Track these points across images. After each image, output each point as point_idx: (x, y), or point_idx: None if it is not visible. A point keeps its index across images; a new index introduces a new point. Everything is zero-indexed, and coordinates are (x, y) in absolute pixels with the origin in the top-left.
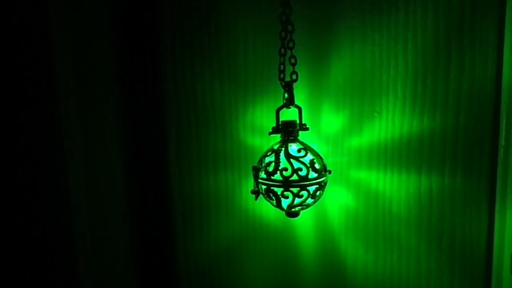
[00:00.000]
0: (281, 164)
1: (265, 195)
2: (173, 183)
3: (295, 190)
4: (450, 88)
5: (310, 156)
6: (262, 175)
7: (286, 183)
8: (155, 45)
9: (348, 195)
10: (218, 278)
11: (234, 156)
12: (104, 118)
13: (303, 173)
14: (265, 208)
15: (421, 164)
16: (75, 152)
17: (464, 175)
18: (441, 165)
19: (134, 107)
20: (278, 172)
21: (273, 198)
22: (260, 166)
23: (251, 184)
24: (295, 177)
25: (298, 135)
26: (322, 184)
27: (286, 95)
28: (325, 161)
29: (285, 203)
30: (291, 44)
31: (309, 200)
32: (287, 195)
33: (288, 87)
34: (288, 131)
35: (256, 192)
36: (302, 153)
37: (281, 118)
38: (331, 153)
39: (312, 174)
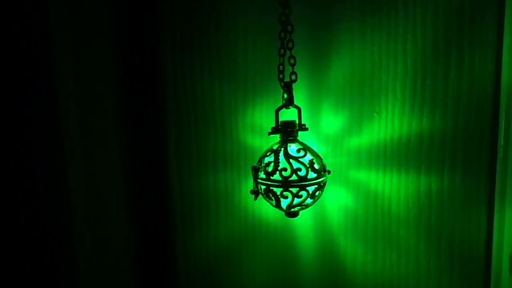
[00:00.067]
0: (280, 164)
1: (265, 195)
2: (172, 183)
3: (294, 190)
4: (449, 88)
5: (309, 156)
6: (262, 175)
7: (286, 183)
8: (155, 45)
9: (348, 195)
10: (217, 278)
11: (234, 156)
12: (104, 118)
13: (302, 173)
14: (264, 208)
15: (420, 164)
16: (75, 152)
17: (463, 175)
18: (440, 165)
19: (134, 107)
20: (278, 172)
21: (273, 198)
22: (260, 166)
23: (250, 184)
24: (294, 177)
25: (297, 135)
26: (322, 184)
27: (285, 96)
28: (324, 161)
29: (284, 203)
30: (290, 45)
31: (308, 200)
32: (286, 195)
33: (288, 88)
34: (288, 132)
35: (255, 192)
36: (302, 153)
37: (281, 119)
38: (330, 153)
39: (311, 174)
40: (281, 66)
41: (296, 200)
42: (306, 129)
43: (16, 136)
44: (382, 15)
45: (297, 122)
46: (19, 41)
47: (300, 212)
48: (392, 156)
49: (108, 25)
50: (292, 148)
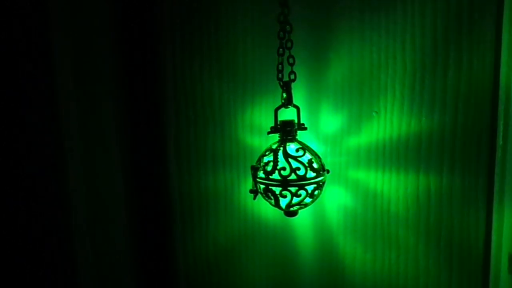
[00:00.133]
0: (279, 163)
1: (264, 195)
2: (172, 183)
3: (293, 189)
4: (448, 87)
5: (308, 156)
6: (261, 174)
7: (285, 183)
8: (155, 45)
9: (347, 194)
10: (217, 277)
11: (233, 156)
12: (104, 118)
13: (301, 172)
14: (263, 207)
15: (419, 164)
16: (75, 152)
17: (462, 175)
18: (439, 165)
19: (134, 107)
20: (277, 171)
21: (272, 197)
22: (259, 166)
23: (249, 184)
24: (293, 176)
25: (296, 134)
26: (320, 183)
27: (284, 95)
28: (323, 160)
29: (283, 202)
30: (289, 44)
31: (307, 200)
32: (285, 194)
33: (287, 87)
34: (287, 131)
35: (254, 192)
36: (300, 152)
37: (280, 118)
38: (329, 152)
39: (310, 174)
40: (280, 66)
41: (295, 199)
42: (305, 129)
43: (16, 136)
44: (381, 14)
45: (296, 121)
46: (19, 41)
47: (299, 211)
48: (391, 155)
49: (108, 25)
50: (291, 147)
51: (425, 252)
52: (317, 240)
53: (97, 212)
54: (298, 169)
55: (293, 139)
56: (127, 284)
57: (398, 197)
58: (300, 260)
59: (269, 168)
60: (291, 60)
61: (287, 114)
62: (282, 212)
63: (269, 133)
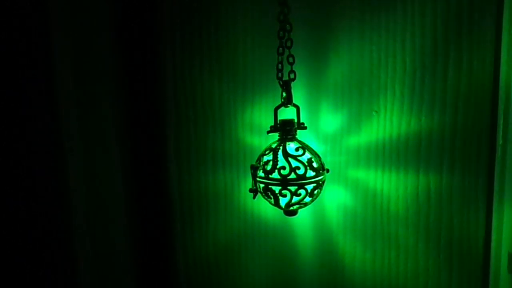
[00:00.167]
0: (279, 162)
1: (263, 194)
2: (172, 183)
3: (293, 188)
4: (448, 87)
5: (308, 155)
6: (260, 173)
7: (284, 182)
8: (155, 45)
9: (346, 194)
10: (217, 277)
11: (233, 155)
12: (104, 118)
13: (301, 171)
14: (263, 206)
15: (419, 163)
16: (75, 152)
17: (462, 174)
18: (439, 164)
19: (134, 107)
20: (276, 170)
21: (271, 196)
22: (258, 165)
23: (249, 183)
24: (293, 175)
25: (296, 134)
26: (320, 182)
27: (284, 94)
28: (323, 160)
29: (283, 201)
30: (289, 43)
31: (307, 199)
32: (285, 193)
33: (286, 86)
34: (286, 130)
35: (254, 191)
36: (300, 151)
37: (279, 117)
38: (329, 152)
39: (310, 173)
40: (280, 65)
41: (295, 199)
42: (305, 128)
43: (16, 136)
44: (381, 14)
45: (295, 120)
46: (19, 41)
47: (299, 210)
48: (391, 154)
49: (108, 25)
50: (291, 146)
51: (424, 251)
52: (316, 240)
53: (97, 212)
54: (298, 168)
55: (293, 138)
56: (127, 284)
57: (398, 197)
58: (299, 259)
59: (268, 167)
60: (291, 59)
61: (287, 113)
62: (281, 211)
63: (268, 132)
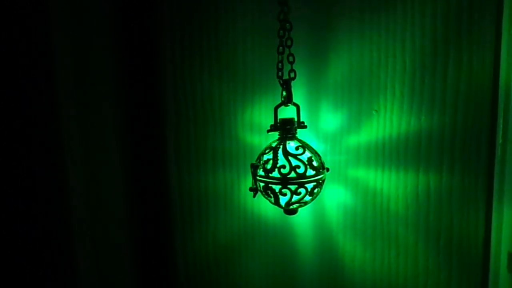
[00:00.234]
0: (279, 161)
1: (263, 193)
2: (172, 183)
3: (293, 187)
4: (447, 86)
5: (308, 154)
6: (260, 172)
7: (284, 181)
8: (155, 45)
9: (346, 193)
10: (217, 276)
11: (233, 154)
12: (104, 118)
13: (301, 170)
14: (263, 205)
15: (419, 162)
16: (75, 152)
17: (461, 173)
18: (438, 163)
19: (134, 107)
20: (276, 169)
21: (271, 195)
22: (258, 164)
23: (249, 182)
24: (293, 174)
25: (296, 133)
26: (320, 181)
27: (284, 93)
28: (323, 159)
29: (283, 200)
30: (289, 43)
31: (307, 198)
32: (285, 192)
33: (286, 85)
34: (286, 129)
35: (254, 190)
36: (300, 150)
37: (280, 116)
38: (329, 151)
39: (310, 172)
40: (280, 64)
41: (295, 198)
42: (305, 127)
43: (16, 136)
44: (381, 14)
45: (296, 119)
46: (19, 41)
47: (299, 209)
48: (391, 154)
49: (108, 25)
50: (291, 145)
51: (424, 250)
52: (316, 239)
53: (97, 212)
54: (298, 167)
55: (293, 137)
56: (127, 284)
57: (398, 196)
58: (299, 258)
59: (268, 166)
60: (291, 59)
61: (287, 112)
62: (281, 210)
63: (269, 131)
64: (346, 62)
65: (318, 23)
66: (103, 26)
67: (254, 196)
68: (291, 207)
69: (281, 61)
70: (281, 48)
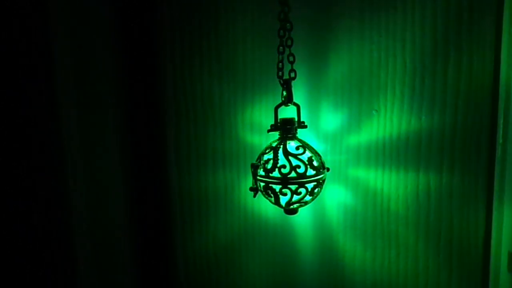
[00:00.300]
0: (279, 161)
1: (264, 193)
2: (172, 182)
3: (293, 187)
4: (448, 86)
5: (308, 154)
6: (261, 172)
7: (284, 180)
8: (155, 45)
9: (347, 193)
10: (217, 276)
11: (233, 154)
12: (104, 118)
13: (301, 170)
14: (263, 205)
15: (419, 162)
16: (75, 152)
17: (462, 173)
18: (439, 163)
19: (134, 107)
20: (277, 169)
21: (272, 195)
22: (259, 164)
23: (249, 182)
24: (293, 174)
25: (296, 132)
26: (320, 181)
27: (284, 93)
28: (323, 159)
29: (283, 200)
30: (289, 42)
31: (307, 198)
32: (285, 192)
33: (287, 85)
34: (287, 129)
35: (254, 190)
36: (301, 150)
37: (280, 116)
38: (329, 151)
39: (310, 172)
40: (280, 64)
41: (295, 197)
42: (305, 127)
43: (16, 136)
44: (381, 13)
45: (296, 119)
46: (19, 41)
47: (299, 209)
48: (391, 154)
49: (108, 25)
50: (291, 145)
51: (424, 250)
52: (317, 238)
53: (97, 212)
54: (298, 167)
55: (293, 137)
56: (127, 284)
57: (398, 196)
58: (300, 258)
59: (269, 166)
60: (291, 58)
61: (287, 112)
62: (282, 210)
63: (269, 131)
64: (346, 62)
65: (318, 23)
66: (103, 26)
67: (254, 196)
68: (291, 207)
69: (282, 61)
70: (281, 48)
